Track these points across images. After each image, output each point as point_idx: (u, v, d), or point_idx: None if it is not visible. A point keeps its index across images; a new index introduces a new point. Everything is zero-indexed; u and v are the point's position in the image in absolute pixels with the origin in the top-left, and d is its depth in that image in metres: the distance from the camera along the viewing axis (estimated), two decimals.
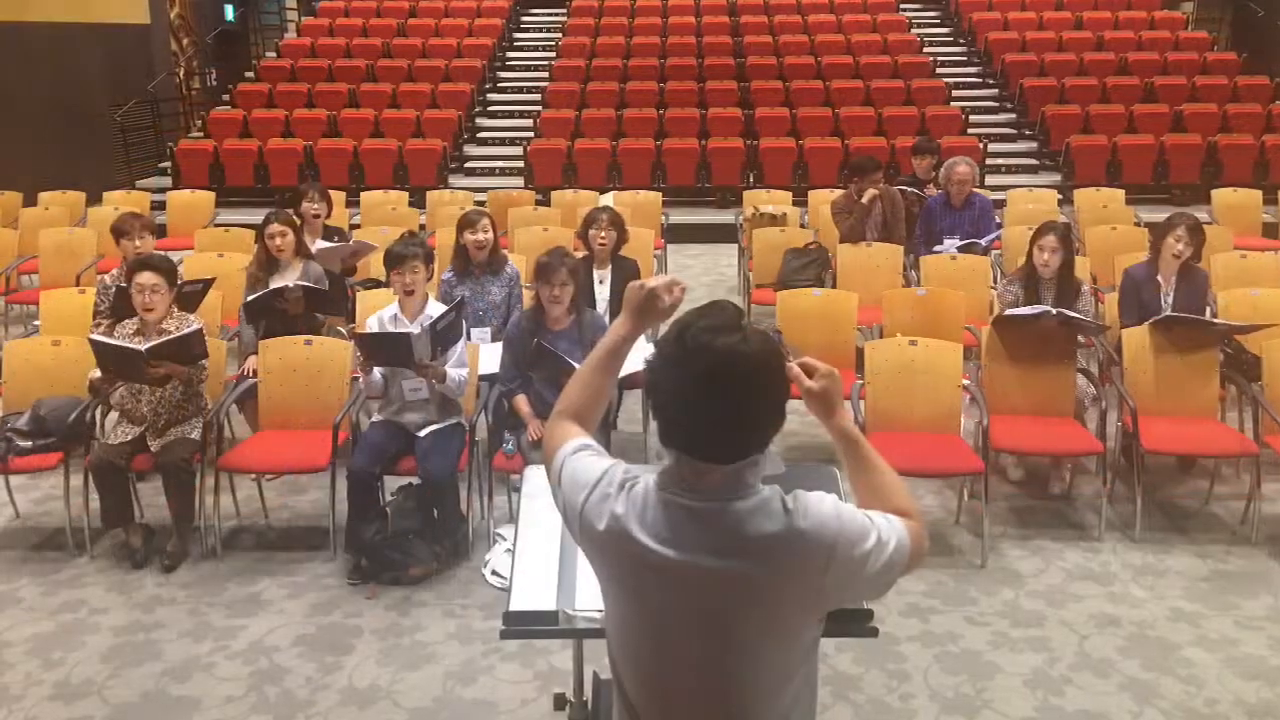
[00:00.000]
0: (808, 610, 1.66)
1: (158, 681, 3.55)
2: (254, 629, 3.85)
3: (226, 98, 13.21)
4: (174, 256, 5.09)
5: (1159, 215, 5.83)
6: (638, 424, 5.44)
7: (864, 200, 6.67)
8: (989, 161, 11.07)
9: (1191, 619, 3.87)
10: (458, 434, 4.38)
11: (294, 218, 5.60)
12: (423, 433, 4.35)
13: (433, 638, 3.78)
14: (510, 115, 13.14)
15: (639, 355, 3.13)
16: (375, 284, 6.01)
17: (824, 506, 1.63)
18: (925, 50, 13.71)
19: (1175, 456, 5.10)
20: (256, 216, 5.76)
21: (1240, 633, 3.78)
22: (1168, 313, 4.92)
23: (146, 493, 4.69)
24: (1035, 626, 3.83)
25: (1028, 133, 12.30)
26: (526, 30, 15.50)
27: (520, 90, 13.64)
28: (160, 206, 9.28)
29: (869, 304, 5.64)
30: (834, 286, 6.32)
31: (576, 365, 2.53)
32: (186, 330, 4.30)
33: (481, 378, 4.70)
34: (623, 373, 1.97)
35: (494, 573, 4.16)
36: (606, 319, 4.74)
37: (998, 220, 7.19)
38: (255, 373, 4.79)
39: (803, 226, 7.84)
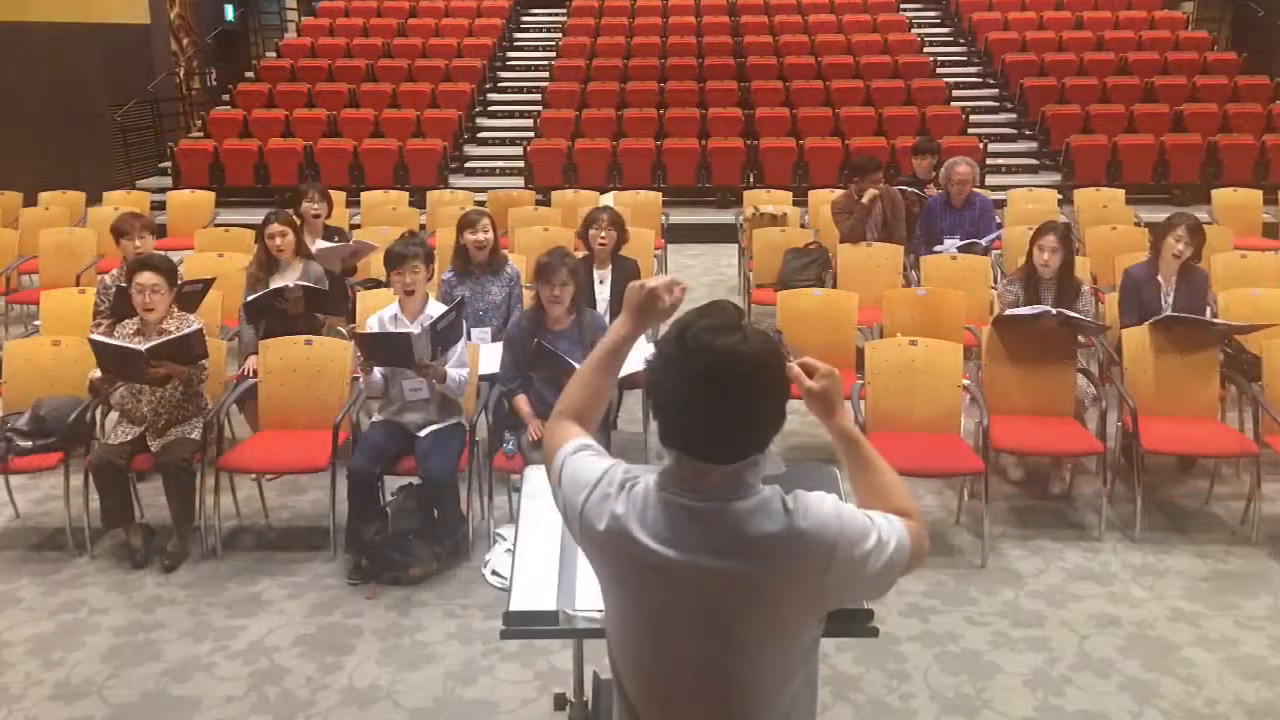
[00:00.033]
0: (808, 610, 1.66)
1: (158, 681, 3.55)
2: (254, 629, 3.85)
3: (226, 98, 13.20)
4: (174, 256, 5.09)
5: (1159, 215, 5.83)
6: (638, 424, 5.43)
7: (864, 200, 6.67)
8: (989, 161, 11.06)
9: (1191, 619, 3.87)
10: (458, 434, 4.38)
11: (294, 218, 5.60)
12: (423, 433, 4.35)
13: (433, 638, 3.78)
14: (510, 115, 13.14)
15: (639, 355, 3.13)
16: (375, 284, 6.01)
17: (824, 506, 1.63)
18: (925, 50, 13.70)
19: (1175, 456, 5.10)
20: (256, 216, 5.76)
21: (1240, 633, 3.78)
22: (1168, 313, 4.92)
23: (146, 493, 4.69)
24: (1035, 626, 3.83)
25: (1028, 133, 12.30)
26: (526, 30, 15.49)
27: (520, 90, 13.64)
28: (160, 206, 9.29)
29: (869, 304, 5.64)
30: (834, 286, 6.32)
31: (576, 365, 2.53)
32: (187, 330, 4.30)
33: (482, 378, 4.70)
34: (623, 373, 1.97)
35: (494, 573, 4.16)
36: (607, 319, 4.74)
37: (998, 220, 7.18)
38: (255, 373, 4.79)
39: (803, 226, 7.83)
